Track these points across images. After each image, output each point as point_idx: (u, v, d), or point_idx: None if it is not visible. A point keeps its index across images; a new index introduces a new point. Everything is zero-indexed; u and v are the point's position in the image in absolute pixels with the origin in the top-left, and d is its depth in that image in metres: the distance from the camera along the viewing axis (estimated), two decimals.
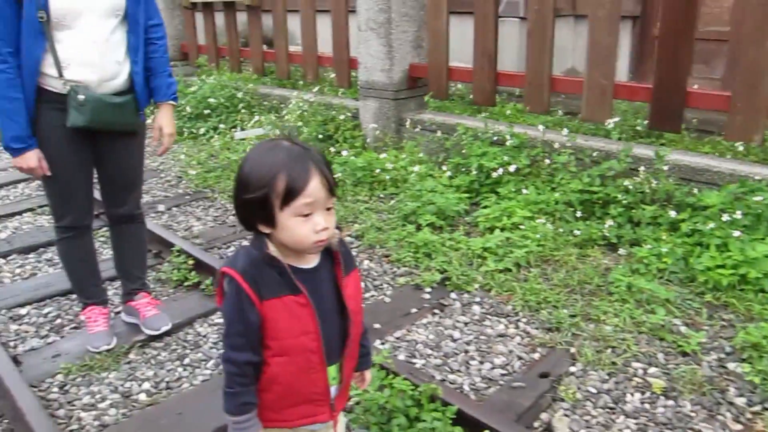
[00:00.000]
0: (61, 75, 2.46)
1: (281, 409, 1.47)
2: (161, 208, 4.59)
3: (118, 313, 3.13)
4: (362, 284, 3.30)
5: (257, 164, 1.34)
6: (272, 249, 1.37)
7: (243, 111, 6.22)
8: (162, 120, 2.82)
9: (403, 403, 2.22)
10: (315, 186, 1.31)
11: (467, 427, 2.17)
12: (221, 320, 3.07)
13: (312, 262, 1.43)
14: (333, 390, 1.52)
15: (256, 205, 1.33)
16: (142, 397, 2.57)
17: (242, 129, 5.88)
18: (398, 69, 4.98)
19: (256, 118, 5.96)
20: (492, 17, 4.52)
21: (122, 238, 2.95)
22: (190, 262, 3.50)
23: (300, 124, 5.30)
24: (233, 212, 4.42)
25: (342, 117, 5.41)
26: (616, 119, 4.02)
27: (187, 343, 2.93)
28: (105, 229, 3.91)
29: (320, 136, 5.29)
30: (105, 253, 3.77)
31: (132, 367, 2.76)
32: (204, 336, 2.98)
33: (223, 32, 7.23)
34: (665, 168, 3.56)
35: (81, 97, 2.46)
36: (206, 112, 6.36)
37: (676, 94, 3.76)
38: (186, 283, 3.41)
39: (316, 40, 6.04)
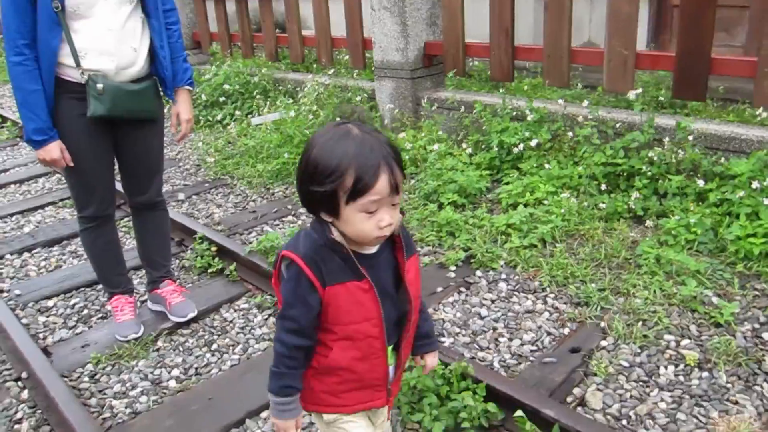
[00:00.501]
0: (78, 64, 2.44)
1: (341, 393, 1.46)
2: (181, 196, 4.59)
3: (144, 302, 3.14)
4: None
5: (326, 153, 1.27)
6: (335, 234, 1.33)
7: (258, 97, 6.20)
8: (179, 106, 2.81)
9: (434, 382, 2.21)
10: (383, 184, 1.26)
11: (499, 403, 2.15)
12: (246, 305, 3.09)
13: (373, 247, 1.40)
14: (390, 372, 1.50)
15: (321, 196, 1.29)
16: (172, 383, 2.58)
17: (258, 114, 5.86)
18: (413, 47, 4.91)
19: (267, 103, 5.93)
20: None
21: (145, 226, 2.95)
22: (213, 248, 3.51)
23: (316, 107, 5.27)
24: (253, 198, 4.45)
25: (358, 98, 5.36)
26: (638, 90, 3.94)
27: (213, 329, 2.93)
28: (128, 219, 3.93)
29: (337, 119, 5.26)
30: (129, 242, 3.79)
31: (161, 354, 2.77)
32: (230, 321, 2.98)
33: (234, 19, 7.19)
34: (690, 137, 3.49)
35: (99, 86, 2.45)
36: (221, 99, 6.36)
37: (700, 61, 3.66)
38: (210, 270, 3.41)
39: (329, 23, 5.97)
